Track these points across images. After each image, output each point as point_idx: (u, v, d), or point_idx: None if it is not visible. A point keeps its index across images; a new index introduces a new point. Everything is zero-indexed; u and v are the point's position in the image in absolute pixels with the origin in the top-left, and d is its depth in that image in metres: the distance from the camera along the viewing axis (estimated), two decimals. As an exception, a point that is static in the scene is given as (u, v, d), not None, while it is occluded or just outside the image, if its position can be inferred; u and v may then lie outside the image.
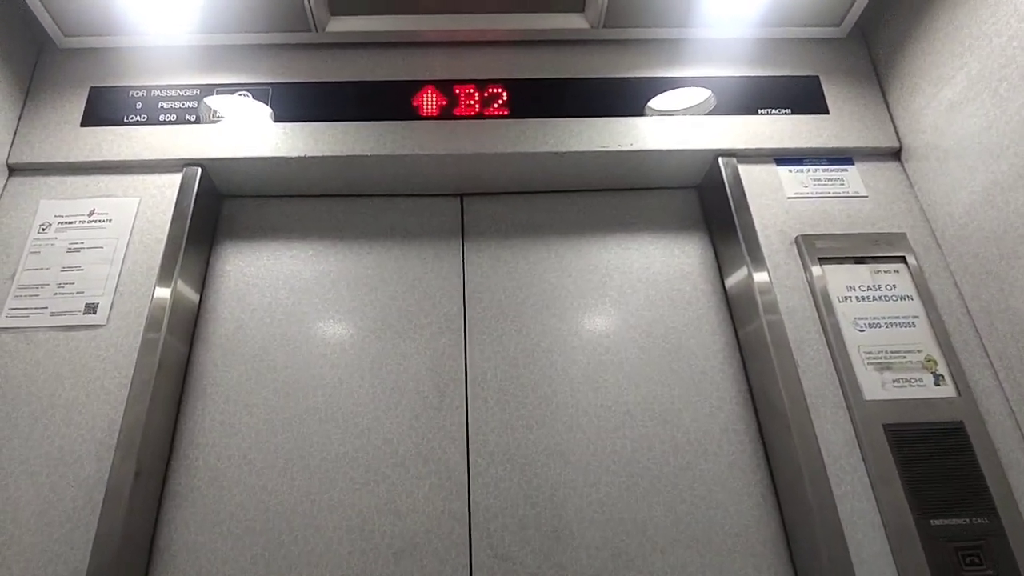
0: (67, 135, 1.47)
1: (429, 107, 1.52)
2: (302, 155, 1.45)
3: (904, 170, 1.50)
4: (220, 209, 1.58)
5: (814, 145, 1.50)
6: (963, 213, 1.32)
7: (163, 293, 1.31)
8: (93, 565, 1.08)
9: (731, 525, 1.26)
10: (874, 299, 1.31)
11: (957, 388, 1.22)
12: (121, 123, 1.48)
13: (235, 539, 1.23)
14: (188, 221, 1.39)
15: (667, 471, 1.31)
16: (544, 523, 1.26)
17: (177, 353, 1.34)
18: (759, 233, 1.40)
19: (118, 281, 1.33)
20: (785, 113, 1.53)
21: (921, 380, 1.23)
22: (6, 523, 1.12)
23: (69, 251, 1.36)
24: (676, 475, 1.30)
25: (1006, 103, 1.21)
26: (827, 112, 1.54)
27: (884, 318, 1.29)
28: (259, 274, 1.50)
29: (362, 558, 1.22)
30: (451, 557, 1.23)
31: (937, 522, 1.11)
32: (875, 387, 1.22)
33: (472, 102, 1.52)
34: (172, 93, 1.52)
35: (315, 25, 1.52)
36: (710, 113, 1.53)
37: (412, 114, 1.51)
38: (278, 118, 1.50)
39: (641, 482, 1.30)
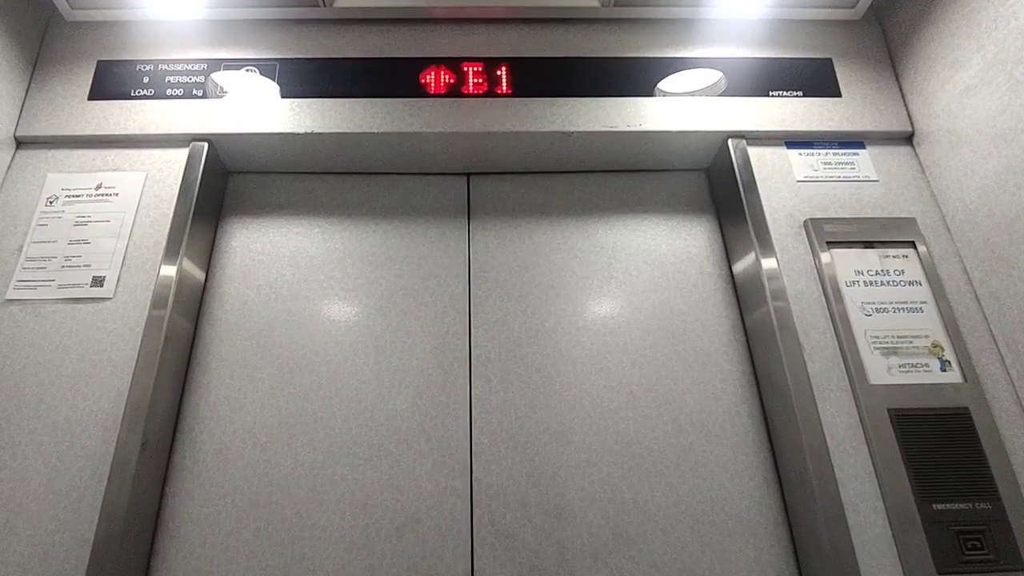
0: (74, 109, 1.47)
1: (437, 85, 1.51)
2: (309, 131, 1.45)
3: (916, 155, 1.48)
4: (226, 185, 1.58)
5: (825, 128, 1.48)
6: (974, 198, 1.31)
7: (169, 271, 1.31)
8: (100, 535, 1.09)
9: (733, 507, 1.26)
10: (882, 284, 1.31)
11: (963, 374, 1.22)
12: (128, 97, 1.48)
13: (239, 512, 1.24)
14: (195, 196, 1.39)
15: (669, 452, 1.31)
16: (545, 502, 1.26)
17: (183, 329, 1.34)
18: (768, 217, 1.39)
19: (125, 255, 1.33)
20: (797, 95, 1.51)
21: (927, 365, 1.23)
22: (14, 492, 1.13)
23: (76, 224, 1.36)
24: (678, 457, 1.31)
25: (1021, 87, 1.19)
26: (839, 95, 1.52)
27: (892, 303, 1.29)
28: (265, 251, 1.50)
29: (364, 533, 1.23)
30: (452, 533, 1.24)
31: (940, 507, 1.10)
32: (881, 372, 1.22)
33: (480, 80, 1.51)
34: (179, 68, 1.52)
35: (323, 0, 1.51)
36: (721, 95, 1.51)
37: (420, 91, 1.50)
38: (285, 94, 1.49)
39: (643, 463, 1.30)
